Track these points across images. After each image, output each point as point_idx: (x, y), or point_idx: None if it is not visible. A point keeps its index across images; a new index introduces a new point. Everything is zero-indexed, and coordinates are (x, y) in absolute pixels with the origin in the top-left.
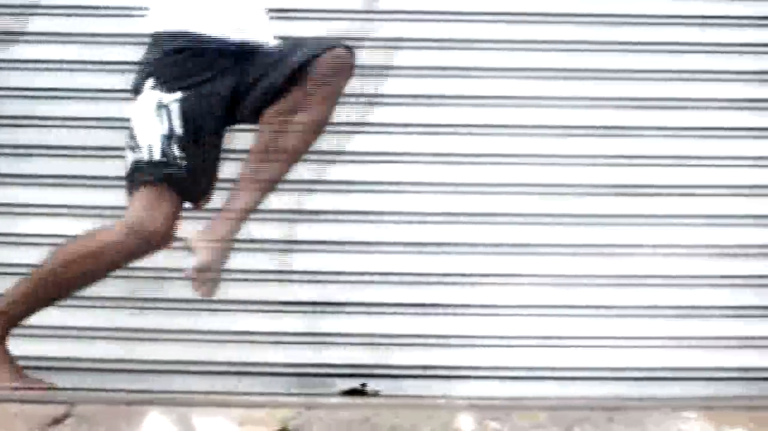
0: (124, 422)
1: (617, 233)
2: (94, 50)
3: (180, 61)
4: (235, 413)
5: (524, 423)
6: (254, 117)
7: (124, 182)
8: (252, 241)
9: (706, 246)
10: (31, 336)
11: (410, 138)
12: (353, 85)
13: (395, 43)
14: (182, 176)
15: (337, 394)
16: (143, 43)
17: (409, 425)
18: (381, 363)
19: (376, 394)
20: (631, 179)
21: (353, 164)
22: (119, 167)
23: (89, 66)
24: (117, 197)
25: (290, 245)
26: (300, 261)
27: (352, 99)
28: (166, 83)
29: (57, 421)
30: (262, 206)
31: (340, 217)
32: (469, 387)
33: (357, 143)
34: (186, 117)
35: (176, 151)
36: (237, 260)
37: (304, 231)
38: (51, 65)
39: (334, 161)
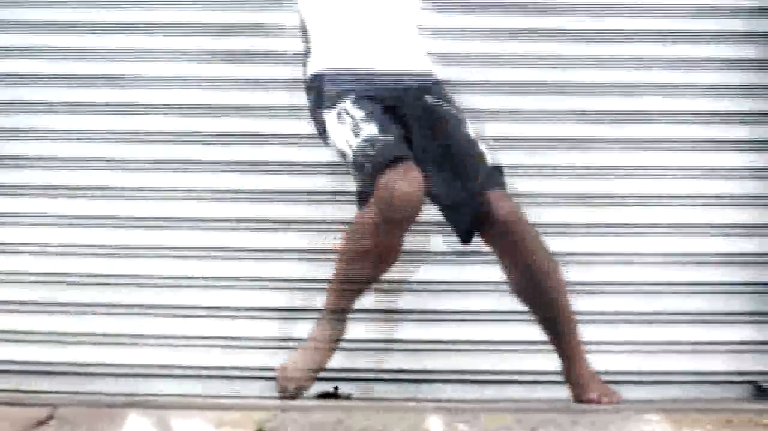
0: (105, 423)
1: (590, 241)
2: None
3: (339, 83)
4: (212, 415)
5: (491, 425)
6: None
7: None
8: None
9: (666, 255)
10: (15, 341)
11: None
12: None
13: None
14: (387, 140)
15: (311, 397)
16: None
17: (381, 426)
18: (352, 367)
19: (348, 397)
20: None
21: None
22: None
23: None
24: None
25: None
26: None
27: None
28: (335, 100)
29: (40, 423)
30: None
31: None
32: (438, 390)
33: None
34: (361, 106)
35: (367, 127)
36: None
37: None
38: None
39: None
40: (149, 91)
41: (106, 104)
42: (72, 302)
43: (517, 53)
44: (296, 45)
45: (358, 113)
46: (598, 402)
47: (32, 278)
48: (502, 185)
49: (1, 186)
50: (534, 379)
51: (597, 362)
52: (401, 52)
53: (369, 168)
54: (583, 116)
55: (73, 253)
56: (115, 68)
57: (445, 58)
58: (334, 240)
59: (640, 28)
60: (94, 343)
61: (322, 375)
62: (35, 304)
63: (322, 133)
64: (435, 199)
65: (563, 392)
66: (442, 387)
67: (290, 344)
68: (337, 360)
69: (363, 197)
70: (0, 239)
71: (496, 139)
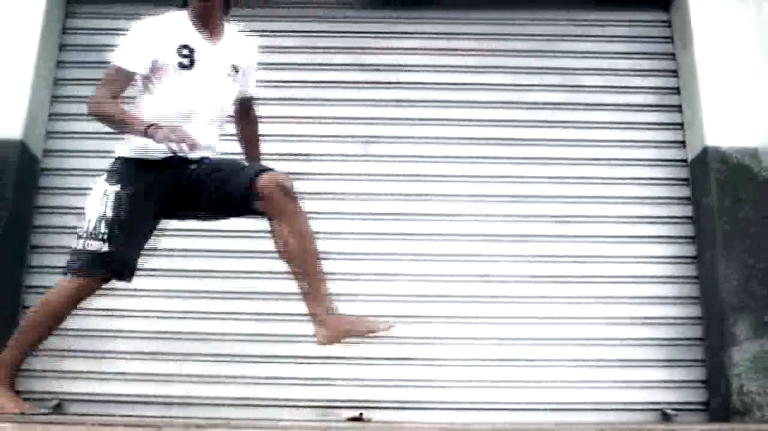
0: None
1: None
2: None
3: (127, 166)
4: None
5: None
6: (202, 211)
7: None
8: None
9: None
10: (128, 380)
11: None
12: None
13: None
14: (105, 255)
15: (342, 420)
16: None
17: None
18: (374, 399)
19: (369, 420)
20: (545, 270)
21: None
22: None
23: None
24: None
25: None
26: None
27: None
28: (113, 179)
29: None
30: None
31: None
32: (436, 416)
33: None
34: (116, 204)
35: (103, 228)
36: (270, 327)
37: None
38: None
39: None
40: None
41: None
42: (170, 353)
43: None
44: None
45: (109, 210)
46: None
47: (145, 335)
48: (264, 171)
49: None
50: (507, 407)
51: (551, 395)
52: (208, 142)
53: (81, 261)
54: None
55: (167, 317)
56: None
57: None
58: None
59: None
60: (192, 382)
61: (349, 405)
62: (146, 353)
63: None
64: (217, 210)
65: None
66: (437, 414)
67: (327, 382)
68: (361, 393)
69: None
70: (118, 306)
71: None
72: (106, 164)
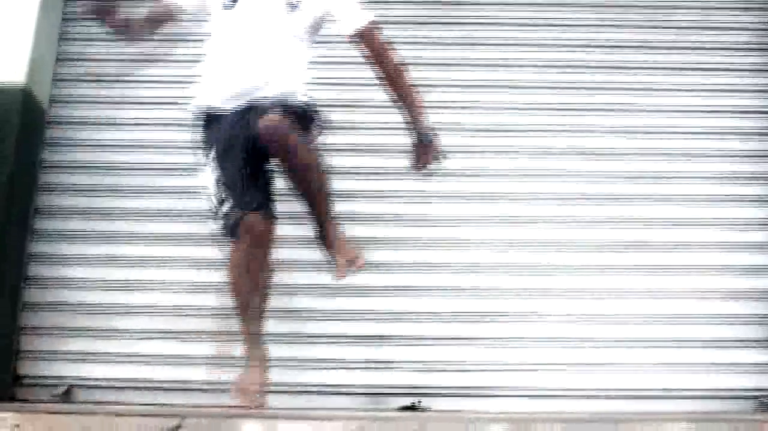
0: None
1: (618, 281)
2: None
3: (205, 123)
4: (313, 424)
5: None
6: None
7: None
8: (329, 287)
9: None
10: (147, 363)
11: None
12: None
13: None
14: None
15: (395, 409)
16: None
17: None
18: (431, 385)
19: (426, 410)
20: (625, 237)
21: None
22: None
23: None
24: None
25: (359, 290)
26: (368, 303)
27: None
28: (204, 147)
29: None
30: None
31: (398, 268)
32: (500, 404)
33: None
34: (219, 165)
35: (221, 191)
36: (317, 302)
37: (370, 280)
38: None
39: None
40: None
41: None
42: (195, 331)
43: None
44: None
45: (217, 172)
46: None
47: (167, 311)
48: (274, 111)
49: None
50: (580, 395)
51: (632, 380)
52: (260, 83)
53: (225, 228)
54: None
55: (191, 290)
56: None
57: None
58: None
59: None
60: (219, 364)
61: (406, 392)
62: (168, 332)
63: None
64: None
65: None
66: (501, 401)
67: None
68: (419, 379)
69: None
70: (137, 278)
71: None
72: (121, 114)
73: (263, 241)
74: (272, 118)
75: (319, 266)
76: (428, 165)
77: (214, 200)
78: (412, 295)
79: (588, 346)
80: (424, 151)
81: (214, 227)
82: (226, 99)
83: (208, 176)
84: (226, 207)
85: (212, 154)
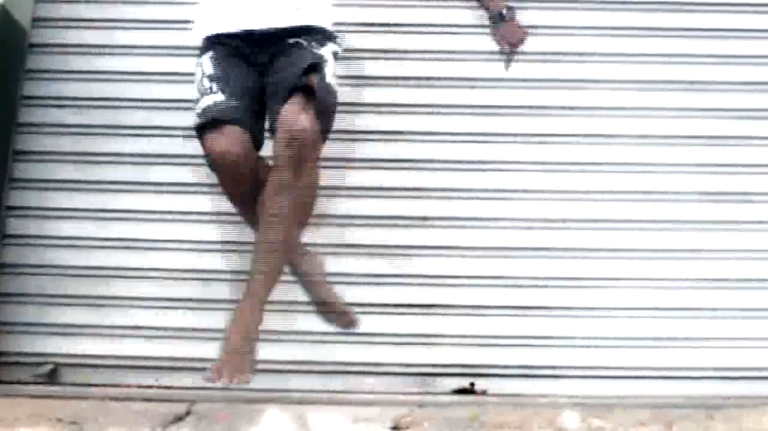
0: (243, 419)
1: (720, 238)
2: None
3: (214, 42)
4: (348, 410)
5: (627, 420)
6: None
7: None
8: (366, 245)
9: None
10: (146, 336)
11: (515, 147)
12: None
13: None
14: (224, 106)
15: (447, 392)
16: None
17: (517, 422)
18: (488, 363)
19: (484, 393)
20: (729, 186)
21: (458, 172)
22: None
23: None
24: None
25: (403, 249)
26: (412, 265)
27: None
28: (205, 49)
29: (179, 418)
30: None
31: (447, 223)
32: (572, 386)
33: (465, 152)
34: (214, 63)
35: (207, 84)
36: (352, 265)
37: (413, 237)
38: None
39: (444, 169)
40: None
41: None
42: (208, 299)
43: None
44: None
45: (208, 70)
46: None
47: (172, 275)
48: (306, 90)
49: None
50: (669, 375)
51: (731, 357)
52: (266, 11)
53: (197, 126)
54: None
55: (203, 249)
56: None
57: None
58: None
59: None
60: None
61: (457, 371)
62: (173, 300)
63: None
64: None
65: (698, 387)
66: (575, 383)
67: (428, 340)
68: (474, 356)
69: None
70: (137, 235)
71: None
72: (117, 39)
73: (238, 166)
74: (302, 118)
75: (347, 221)
76: (515, 45)
77: (197, 96)
78: (465, 255)
79: (678, 316)
80: (505, 30)
81: (195, 119)
82: (242, 21)
83: (197, 79)
84: (209, 100)
85: (208, 54)
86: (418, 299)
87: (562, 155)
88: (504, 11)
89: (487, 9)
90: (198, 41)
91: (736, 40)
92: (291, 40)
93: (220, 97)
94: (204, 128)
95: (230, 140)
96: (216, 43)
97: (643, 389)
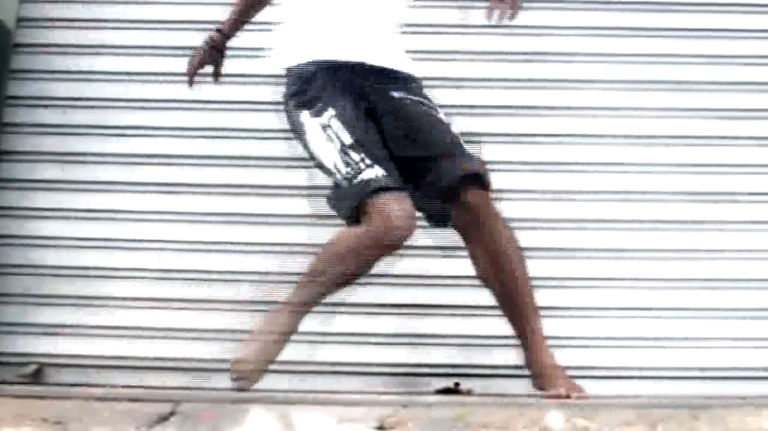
0: (227, 420)
1: (706, 238)
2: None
3: (319, 86)
4: (333, 411)
5: (612, 420)
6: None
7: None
8: None
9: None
10: (131, 336)
11: (512, 147)
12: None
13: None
14: (377, 173)
15: (431, 393)
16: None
17: (502, 422)
18: (474, 363)
19: (469, 393)
20: (722, 186)
21: None
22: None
23: None
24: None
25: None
26: (397, 265)
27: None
28: (318, 108)
29: (163, 419)
30: None
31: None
32: None
33: None
34: (347, 126)
35: (356, 157)
36: None
37: None
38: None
39: None
40: None
41: None
42: (192, 299)
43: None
44: None
45: (345, 136)
46: (567, 397)
47: (156, 274)
48: (476, 175)
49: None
50: (654, 375)
51: (715, 357)
52: (378, 47)
53: (359, 197)
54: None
55: (188, 249)
56: None
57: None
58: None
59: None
60: (218, 339)
61: (442, 371)
62: (158, 300)
63: (295, 131)
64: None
65: (683, 387)
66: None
67: (413, 340)
68: (459, 356)
69: (350, 219)
70: (121, 235)
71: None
72: (104, 38)
73: (402, 234)
74: (485, 195)
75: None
76: (506, 17)
77: (340, 171)
78: (450, 255)
79: (664, 317)
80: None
81: (330, 202)
82: (348, 51)
83: (325, 148)
84: (367, 175)
85: (330, 114)
86: (403, 300)
87: (548, 155)
88: None
89: None
90: (280, 70)
91: (722, 41)
92: (397, 95)
93: (379, 171)
94: (368, 197)
95: (405, 210)
96: (322, 73)
97: (629, 389)
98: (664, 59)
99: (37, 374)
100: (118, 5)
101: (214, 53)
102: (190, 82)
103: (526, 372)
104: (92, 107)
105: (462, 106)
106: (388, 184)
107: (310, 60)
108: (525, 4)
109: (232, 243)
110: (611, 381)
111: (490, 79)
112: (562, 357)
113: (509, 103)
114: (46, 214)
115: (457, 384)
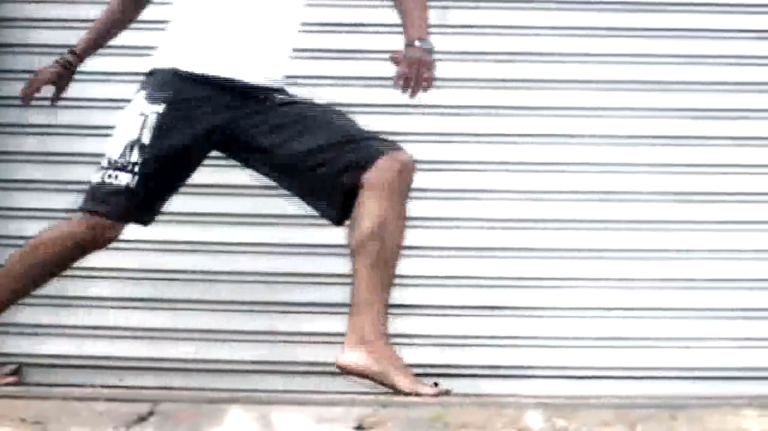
0: (206, 419)
1: (679, 238)
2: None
3: (177, 82)
4: (312, 411)
5: (591, 420)
6: (256, 157)
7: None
8: (332, 246)
9: (757, 251)
10: (110, 337)
11: (488, 147)
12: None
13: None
14: (130, 182)
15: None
16: None
17: (480, 422)
18: (452, 363)
19: (447, 393)
20: (709, 186)
21: (425, 172)
22: None
23: None
24: None
25: None
26: None
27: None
28: (154, 98)
29: (141, 419)
30: None
31: (412, 223)
32: (536, 386)
33: (435, 153)
34: (158, 131)
35: (134, 158)
36: (318, 265)
37: None
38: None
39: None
40: None
41: None
42: (171, 299)
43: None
44: None
45: (147, 135)
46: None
47: (136, 275)
48: (375, 154)
49: None
50: (633, 375)
51: (693, 357)
52: (255, 63)
53: (95, 200)
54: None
55: (168, 249)
56: None
57: None
58: None
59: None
60: (197, 339)
61: (420, 371)
62: (137, 300)
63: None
64: (299, 193)
65: (662, 388)
66: (540, 383)
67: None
68: (437, 356)
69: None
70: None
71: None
72: (80, 37)
73: (93, 246)
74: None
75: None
76: (417, 91)
77: (113, 158)
78: (428, 255)
79: (642, 316)
80: (412, 67)
81: (94, 180)
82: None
83: (128, 128)
84: (122, 179)
85: (157, 110)
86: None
87: (530, 155)
88: (417, 42)
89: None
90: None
91: (704, 41)
92: (279, 98)
93: (136, 183)
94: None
95: (105, 238)
96: (185, 81)
97: (608, 389)
98: (646, 59)
99: (15, 374)
100: (100, 5)
101: (65, 75)
102: (26, 103)
103: (506, 372)
104: (76, 107)
105: (442, 107)
106: (124, 205)
107: (183, 69)
108: (506, 4)
109: (209, 243)
110: (590, 381)
111: (470, 80)
112: (540, 357)
113: (490, 104)
114: (25, 214)
115: (435, 384)
